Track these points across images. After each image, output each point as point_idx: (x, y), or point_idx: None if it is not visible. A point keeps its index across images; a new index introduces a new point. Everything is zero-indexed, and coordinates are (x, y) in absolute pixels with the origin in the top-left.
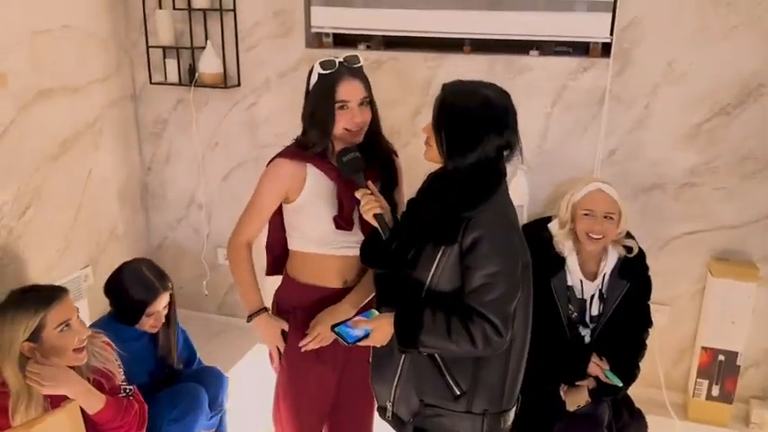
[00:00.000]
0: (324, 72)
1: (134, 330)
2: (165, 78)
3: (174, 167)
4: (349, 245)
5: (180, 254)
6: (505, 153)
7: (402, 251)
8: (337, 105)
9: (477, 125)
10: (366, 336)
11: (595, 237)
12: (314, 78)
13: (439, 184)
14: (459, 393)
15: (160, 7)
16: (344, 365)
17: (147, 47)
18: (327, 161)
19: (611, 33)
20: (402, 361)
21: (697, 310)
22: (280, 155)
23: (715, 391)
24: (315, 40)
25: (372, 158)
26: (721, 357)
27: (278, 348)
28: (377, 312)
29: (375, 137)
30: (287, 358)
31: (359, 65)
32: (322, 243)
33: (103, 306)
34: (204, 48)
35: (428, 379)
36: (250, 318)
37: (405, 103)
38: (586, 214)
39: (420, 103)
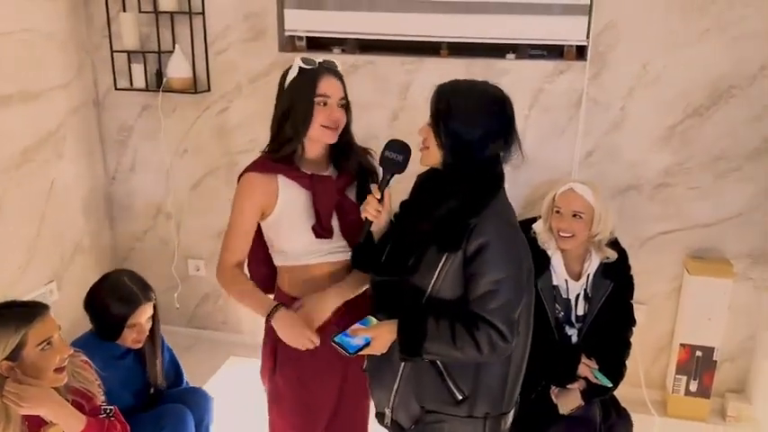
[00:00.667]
0: (306, 67)
1: (118, 347)
2: (131, 84)
3: (139, 176)
4: (333, 251)
5: (148, 266)
6: (502, 154)
7: (401, 257)
8: (318, 100)
9: (482, 126)
10: (367, 344)
11: (564, 234)
12: (292, 74)
13: (433, 186)
14: (461, 398)
15: (124, 10)
16: (344, 372)
17: (112, 51)
18: (297, 168)
19: (588, 36)
20: (402, 367)
21: (674, 307)
22: (248, 168)
23: (693, 386)
24: (288, 43)
25: (346, 163)
26: (699, 353)
27: (310, 339)
28: (374, 320)
29: (348, 142)
30: (283, 374)
31: (338, 68)
32: (305, 254)
33: (69, 323)
34: (172, 52)
35: (429, 384)
36: (269, 318)
37: (382, 106)
38: (557, 212)
39: (398, 106)
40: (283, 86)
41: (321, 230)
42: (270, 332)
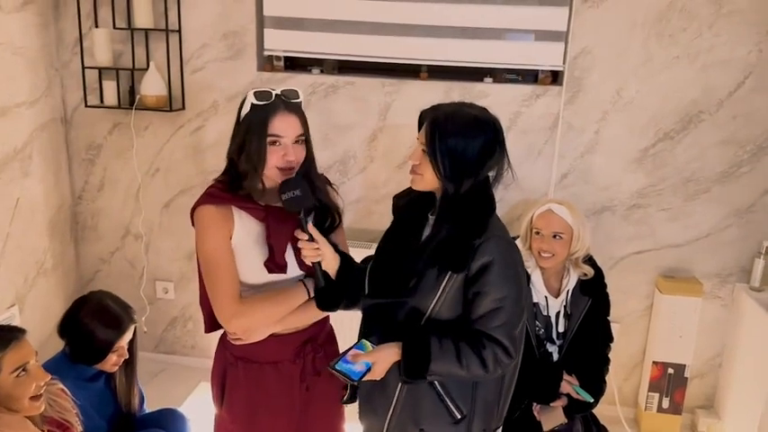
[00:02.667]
0: (258, 103)
1: (89, 369)
2: (102, 101)
3: (107, 196)
4: (289, 282)
5: (114, 288)
6: (491, 175)
7: (395, 280)
8: (270, 140)
9: (478, 147)
10: (368, 370)
11: (545, 255)
12: (246, 109)
13: (421, 209)
14: (459, 417)
15: (97, 26)
16: (301, 412)
17: (83, 67)
18: (251, 201)
19: (564, 62)
20: (398, 391)
21: (646, 325)
22: (201, 201)
23: (665, 403)
24: (267, 63)
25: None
26: (671, 370)
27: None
28: (369, 344)
29: (308, 175)
30: (230, 411)
31: (297, 100)
32: (258, 289)
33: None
34: (146, 69)
35: (427, 406)
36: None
37: (361, 127)
38: (537, 233)
39: (377, 127)
40: (239, 117)
41: (273, 266)
42: (219, 356)
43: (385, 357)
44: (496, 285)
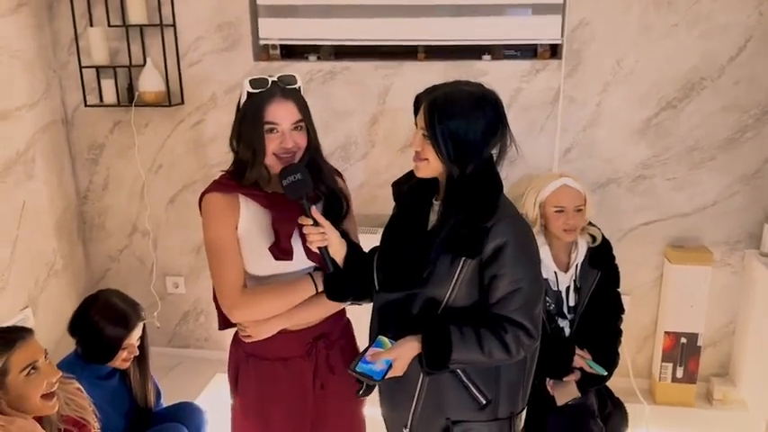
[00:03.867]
0: (253, 91)
1: (103, 367)
2: (101, 100)
3: (113, 195)
4: (296, 274)
5: (125, 286)
6: (497, 152)
7: (407, 271)
8: (266, 128)
9: (480, 125)
10: (390, 368)
11: (569, 229)
12: (243, 98)
13: (423, 195)
14: (485, 402)
15: (92, 25)
16: (317, 410)
17: (81, 67)
18: (257, 188)
19: (562, 35)
20: (420, 383)
21: (657, 296)
22: (208, 190)
23: (679, 372)
24: (263, 52)
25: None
26: (683, 340)
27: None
28: (386, 340)
29: (312, 163)
30: (243, 408)
31: (294, 85)
32: (264, 281)
33: (48, 348)
34: (143, 66)
35: (452, 394)
36: (326, 281)
37: (361, 112)
38: (558, 211)
39: (377, 111)
40: (239, 106)
41: (278, 252)
42: (232, 352)
43: (405, 352)
44: (512, 267)
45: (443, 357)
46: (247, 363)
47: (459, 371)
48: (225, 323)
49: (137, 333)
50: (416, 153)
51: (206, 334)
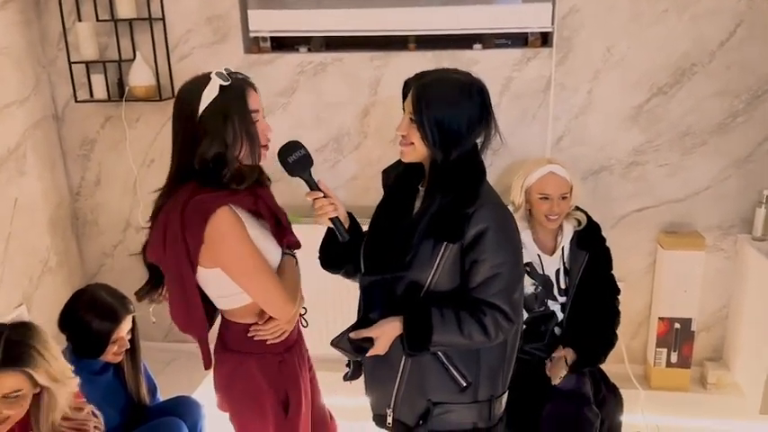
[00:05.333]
0: (226, 84)
1: (96, 363)
2: (91, 95)
3: (105, 190)
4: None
5: (120, 282)
6: (482, 141)
7: (391, 255)
8: (252, 118)
9: (466, 112)
10: (371, 345)
11: (553, 217)
12: (211, 94)
13: (410, 181)
14: (465, 385)
15: (80, 20)
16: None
17: (70, 63)
18: (234, 191)
19: (553, 22)
20: (402, 364)
21: (650, 282)
22: (211, 209)
23: (673, 358)
24: (253, 45)
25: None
26: (677, 325)
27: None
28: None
29: None
30: (274, 408)
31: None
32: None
33: None
34: (133, 60)
35: (433, 377)
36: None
37: (353, 104)
38: (543, 198)
39: (368, 102)
40: (192, 112)
41: (294, 242)
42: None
43: (387, 331)
44: (493, 252)
45: (424, 339)
46: (265, 364)
47: (440, 353)
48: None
49: (126, 326)
50: (402, 137)
51: None
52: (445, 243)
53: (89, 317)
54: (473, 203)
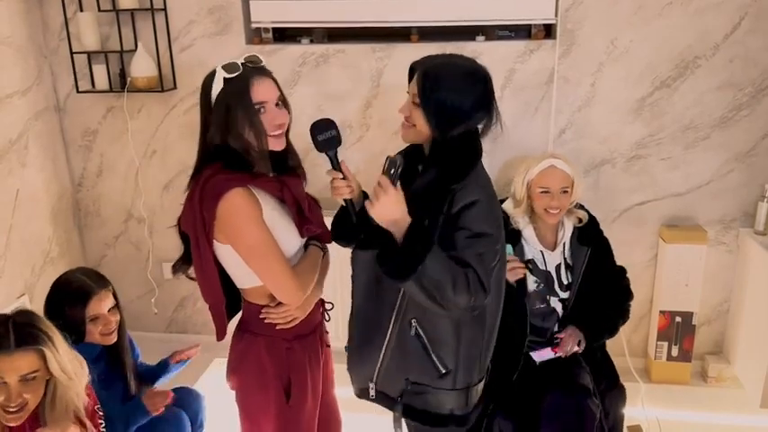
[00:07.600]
0: (230, 76)
1: (93, 348)
2: (93, 86)
3: (107, 181)
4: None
5: (121, 273)
6: (482, 127)
7: (383, 232)
8: (256, 109)
9: (469, 96)
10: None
11: (553, 211)
12: (217, 87)
13: (413, 163)
14: (444, 372)
15: (81, 10)
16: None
17: (72, 53)
18: (255, 174)
19: (556, 14)
20: (387, 341)
21: (651, 276)
22: (223, 189)
23: (674, 351)
24: (255, 35)
25: (286, 168)
26: (678, 319)
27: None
28: None
29: (288, 143)
30: (276, 398)
31: (263, 64)
32: (295, 258)
33: None
34: (134, 51)
35: (414, 359)
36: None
37: (355, 96)
38: (544, 192)
39: (371, 94)
40: (209, 101)
41: (314, 226)
42: (250, 350)
43: (397, 200)
44: (475, 222)
45: (419, 256)
46: (273, 347)
47: (423, 337)
48: (225, 332)
49: (100, 303)
50: (405, 119)
51: (204, 319)
52: (434, 218)
53: (62, 300)
54: (458, 181)
